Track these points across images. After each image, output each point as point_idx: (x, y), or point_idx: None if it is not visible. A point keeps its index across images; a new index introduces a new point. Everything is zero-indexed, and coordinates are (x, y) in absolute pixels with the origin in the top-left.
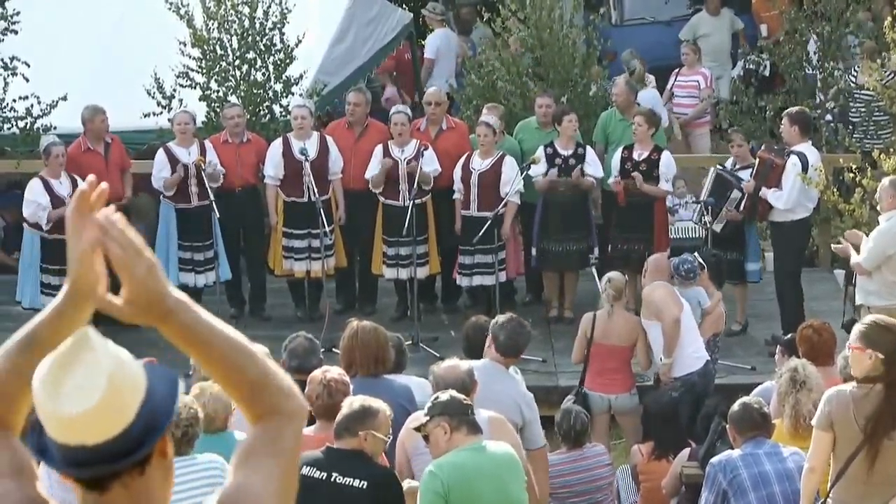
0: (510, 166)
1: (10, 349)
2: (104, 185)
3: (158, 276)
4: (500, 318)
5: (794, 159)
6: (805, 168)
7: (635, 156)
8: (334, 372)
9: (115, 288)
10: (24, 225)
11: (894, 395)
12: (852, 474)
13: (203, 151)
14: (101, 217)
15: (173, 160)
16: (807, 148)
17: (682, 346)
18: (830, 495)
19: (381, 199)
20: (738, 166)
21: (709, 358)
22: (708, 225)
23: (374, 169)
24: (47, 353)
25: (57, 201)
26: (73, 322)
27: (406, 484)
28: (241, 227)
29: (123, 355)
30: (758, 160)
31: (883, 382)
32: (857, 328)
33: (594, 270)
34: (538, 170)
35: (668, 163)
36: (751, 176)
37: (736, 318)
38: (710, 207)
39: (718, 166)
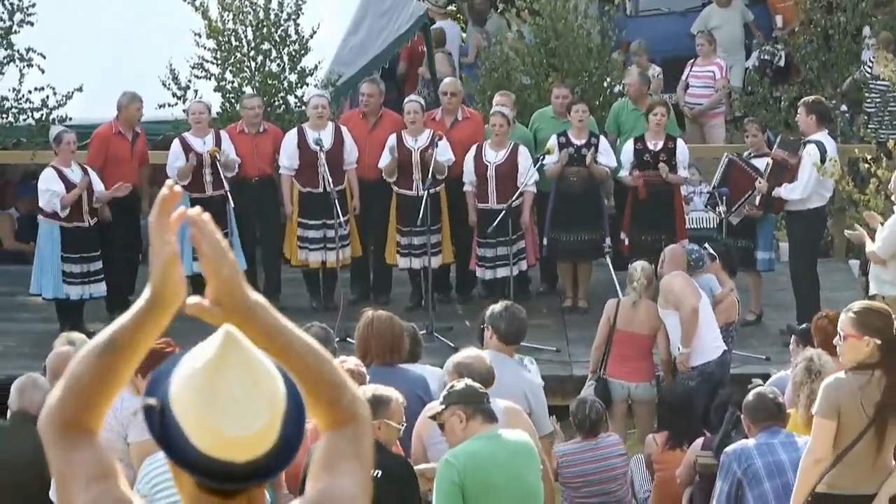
0: (525, 156)
1: (91, 352)
2: (178, 188)
3: (241, 276)
4: (495, 307)
5: (810, 148)
6: (823, 156)
7: (650, 146)
8: (351, 362)
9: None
10: (40, 217)
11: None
12: (852, 461)
13: (218, 141)
14: (193, 214)
15: (188, 150)
16: (823, 137)
17: (701, 334)
18: (824, 481)
19: (395, 188)
20: (752, 155)
21: (725, 348)
22: (722, 214)
23: (386, 159)
24: (128, 357)
25: (71, 189)
26: (156, 327)
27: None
28: (257, 217)
29: (270, 363)
30: (771, 161)
31: (882, 368)
32: (849, 316)
33: (608, 260)
34: (551, 159)
35: (683, 150)
36: (765, 171)
37: (750, 307)
38: (723, 197)
39: (733, 154)
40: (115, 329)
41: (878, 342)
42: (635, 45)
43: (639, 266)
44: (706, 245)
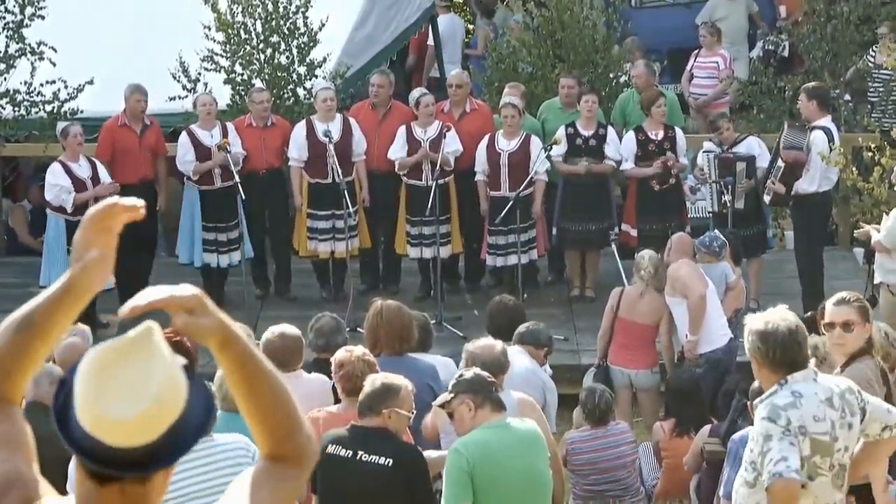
0: (537, 145)
1: (9, 327)
2: (142, 210)
3: (208, 310)
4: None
5: (817, 135)
6: (830, 140)
7: (652, 136)
8: (359, 350)
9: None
10: (48, 209)
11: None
12: None
13: (225, 133)
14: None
15: (196, 143)
16: (827, 122)
17: (708, 322)
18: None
19: (405, 179)
20: (726, 147)
21: (733, 335)
22: (729, 205)
23: (398, 150)
24: (44, 336)
25: (78, 183)
26: (70, 311)
27: (427, 454)
28: (266, 209)
29: (176, 365)
30: (783, 164)
31: (868, 356)
32: (854, 306)
33: (615, 248)
34: (559, 150)
35: (682, 139)
36: (776, 176)
37: (751, 295)
38: (728, 186)
39: (707, 146)
40: (32, 307)
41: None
42: (629, 41)
43: (646, 255)
44: (716, 231)
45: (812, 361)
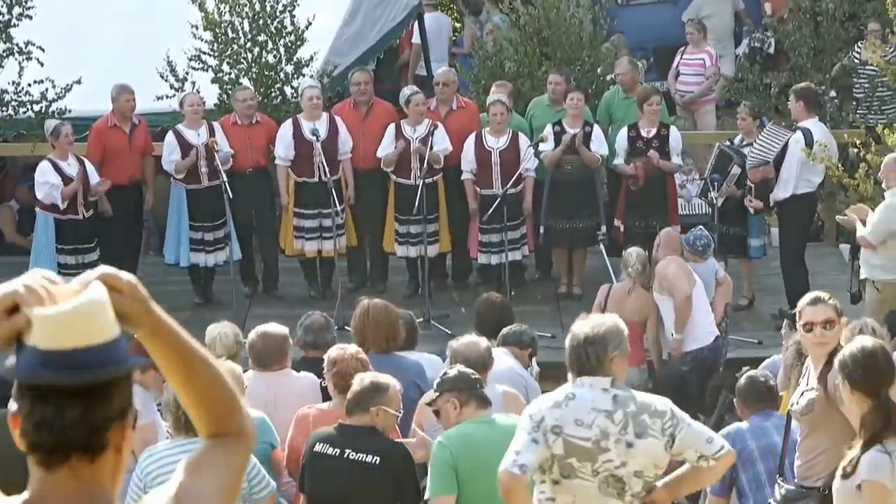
0: (525, 142)
1: None
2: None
3: (138, 295)
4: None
5: (797, 136)
6: (809, 144)
7: (644, 133)
8: (352, 349)
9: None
10: (37, 208)
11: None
12: None
13: (211, 132)
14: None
15: (183, 142)
16: (813, 124)
17: (694, 320)
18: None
19: (393, 177)
20: (744, 142)
21: (719, 333)
22: (714, 201)
23: (387, 148)
24: None
25: (67, 181)
26: None
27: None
28: (253, 208)
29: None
30: (752, 185)
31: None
32: (831, 303)
33: (602, 247)
34: (546, 147)
35: (676, 137)
36: (752, 193)
37: (742, 292)
38: (715, 183)
39: (725, 142)
40: None
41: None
42: (615, 38)
43: (633, 252)
44: (702, 227)
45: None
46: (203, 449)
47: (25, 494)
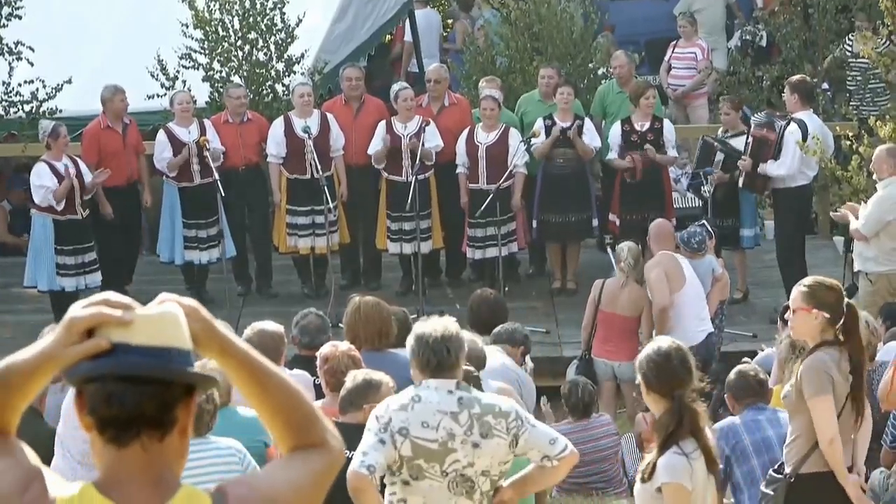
0: (515, 137)
1: None
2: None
3: (211, 320)
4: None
5: (792, 127)
6: (805, 136)
7: (638, 127)
8: (344, 346)
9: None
10: (33, 209)
11: (855, 349)
12: (840, 430)
13: (203, 130)
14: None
15: (174, 140)
16: (807, 116)
17: (682, 322)
18: (813, 460)
19: (385, 174)
20: (729, 133)
21: (712, 330)
22: (706, 194)
23: (376, 145)
24: (23, 394)
25: (63, 182)
26: (49, 375)
27: None
28: (245, 205)
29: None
30: (751, 139)
31: (835, 345)
32: (800, 290)
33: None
34: (537, 142)
35: (670, 130)
36: (745, 152)
37: (737, 286)
38: (707, 177)
39: (706, 136)
40: (10, 368)
41: (827, 316)
42: (603, 36)
43: (626, 247)
44: (704, 223)
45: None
46: (286, 459)
47: (95, 476)
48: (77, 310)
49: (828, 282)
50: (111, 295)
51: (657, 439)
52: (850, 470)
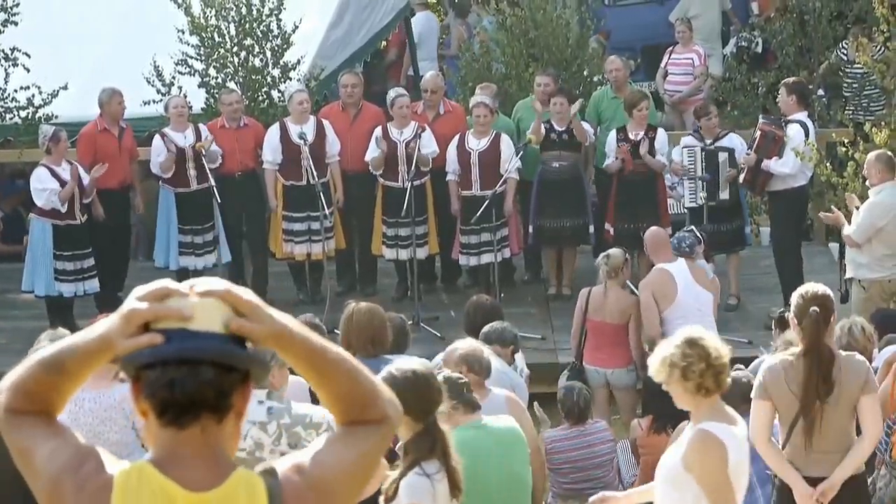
0: (507, 144)
1: (39, 364)
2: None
3: (264, 308)
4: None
5: (795, 127)
6: (807, 135)
7: (632, 136)
8: None
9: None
10: (32, 214)
11: (811, 360)
12: (796, 442)
13: (198, 135)
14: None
15: (170, 145)
16: (804, 117)
17: (671, 333)
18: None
19: (381, 180)
20: (709, 141)
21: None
22: (703, 200)
23: (373, 151)
24: (74, 380)
25: (64, 185)
26: (100, 363)
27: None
28: (242, 211)
29: None
30: (759, 133)
31: (803, 351)
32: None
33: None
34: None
35: (663, 139)
36: (752, 144)
37: (731, 291)
38: (704, 183)
39: (687, 141)
40: (62, 353)
41: (797, 323)
42: (594, 41)
43: (605, 254)
44: (693, 228)
45: None
46: (343, 432)
47: (148, 454)
48: (136, 300)
49: (807, 291)
50: (168, 283)
51: (405, 460)
52: (818, 481)
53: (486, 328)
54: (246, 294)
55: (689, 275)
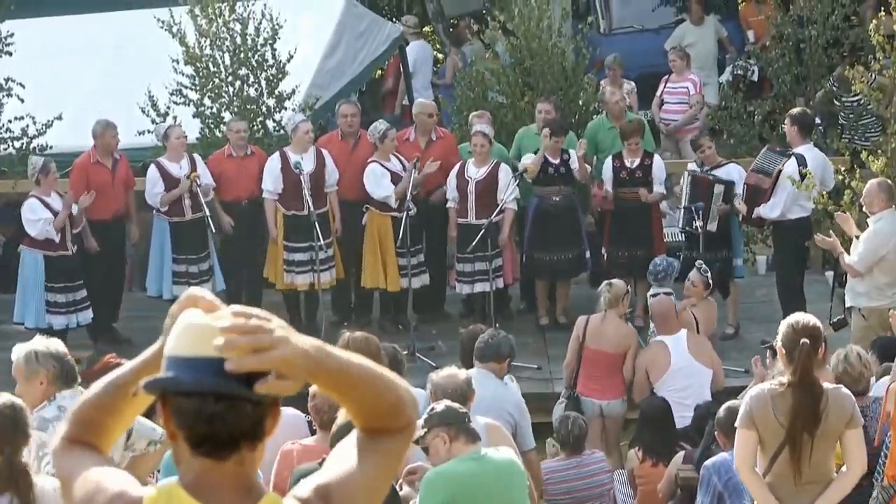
0: (506, 172)
1: (100, 391)
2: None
3: (290, 347)
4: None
5: (791, 167)
6: (803, 166)
7: (627, 163)
8: None
9: None
10: (23, 246)
11: (800, 392)
12: (779, 472)
13: (193, 166)
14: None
15: (166, 175)
16: (807, 150)
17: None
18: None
19: (374, 209)
20: (707, 168)
21: (691, 415)
22: (699, 230)
23: (385, 187)
24: (125, 401)
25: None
26: (151, 373)
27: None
28: (249, 238)
29: None
30: (745, 186)
31: (793, 383)
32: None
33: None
34: (526, 160)
35: (660, 167)
36: (742, 196)
37: (728, 320)
38: (699, 212)
39: (691, 168)
40: (123, 371)
41: (784, 353)
42: (610, 59)
43: (607, 283)
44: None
45: None
46: (365, 445)
47: (173, 480)
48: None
49: (802, 321)
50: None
51: None
52: None
53: (479, 342)
54: (276, 350)
55: (686, 348)
